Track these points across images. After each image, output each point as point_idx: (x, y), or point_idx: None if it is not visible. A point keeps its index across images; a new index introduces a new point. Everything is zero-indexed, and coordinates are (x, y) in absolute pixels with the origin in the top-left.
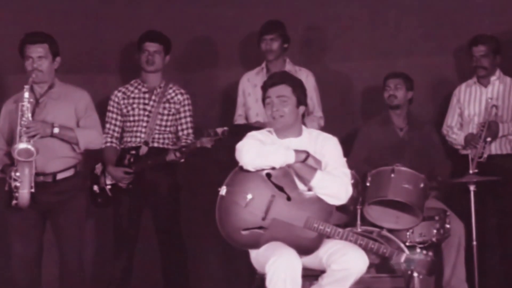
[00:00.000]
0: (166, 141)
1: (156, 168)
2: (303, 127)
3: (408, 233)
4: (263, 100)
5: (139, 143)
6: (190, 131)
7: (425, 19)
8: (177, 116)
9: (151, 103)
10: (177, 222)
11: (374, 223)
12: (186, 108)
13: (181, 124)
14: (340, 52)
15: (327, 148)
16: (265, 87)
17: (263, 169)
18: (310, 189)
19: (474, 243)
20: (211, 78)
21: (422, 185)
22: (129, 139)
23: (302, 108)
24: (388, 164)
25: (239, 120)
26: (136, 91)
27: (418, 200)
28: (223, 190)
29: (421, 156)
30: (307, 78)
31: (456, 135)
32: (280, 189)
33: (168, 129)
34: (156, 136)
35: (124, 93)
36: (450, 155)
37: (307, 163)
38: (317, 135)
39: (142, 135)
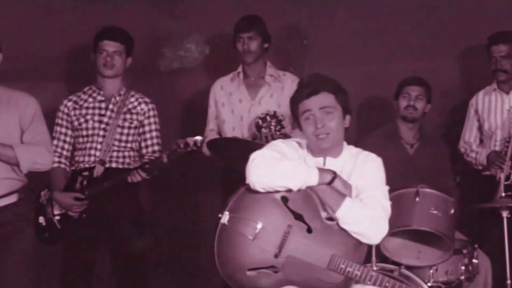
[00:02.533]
0: (127, 160)
1: (115, 191)
2: (345, 143)
3: (431, 271)
4: (297, 115)
5: (93, 163)
6: (156, 148)
7: (424, 18)
8: (141, 130)
9: (108, 113)
10: (142, 258)
11: (391, 258)
12: (152, 120)
13: (145, 139)
14: (325, 55)
15: (367, 168)
16: (298, 99)
17: (276, 191)
18: (332, 219)
19: (509, 281)
20: (170, 86)
21: (452, 211)
22: (81, 159)
23: (348, 119)
24: (394, 187)
25: (211, 135)
26: (90, 99)
27: (449, 229)
28: (225, 217)
29: (430, 178)
30: (293, 84)
31: (476, 154)
32: (299, 217)
33: (129, 145)
34: (115, 154)
35: (75, 102)
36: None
37: (333, 186)
38: (357, 153)
39: (97, 153)
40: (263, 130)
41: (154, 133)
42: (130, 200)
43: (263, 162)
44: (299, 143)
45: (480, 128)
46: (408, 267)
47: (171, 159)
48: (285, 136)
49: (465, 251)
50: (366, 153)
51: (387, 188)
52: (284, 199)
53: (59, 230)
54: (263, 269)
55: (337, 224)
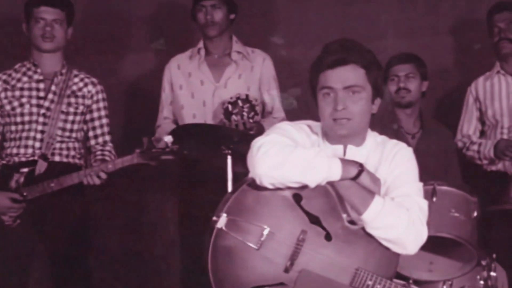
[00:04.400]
0: (72, 152)
1: (59, 192)
2: (368, 130)
3: (444, 287)
4: (315, 87)
5: (31, 156)
6: (107, 138)
7: None
8: (87, 117)
9: (50, 96)
10: (87, 270)
11: (399, 271)
12: (101, 105)
13: (93, 128)
14: (296, 32)
15: (398, 160)
16: (320, 67)
17: (288, 187)
18: (354, 222)
19: None
20: (111, 65)
21: (475, 213)
22: (15, 151)
23: (377, 102)
24: None
25: (165, 125)
26: (25, 78)
27: (472, 236)
28: (221, 221)
29: (436, 173)
30: (264, 63)
31: (478, 146)
32: (315, 221)
33: (73, 135)
34: (58, 145)
35: (5, 82)
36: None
37: (360, 181)
38: (383, 141)
39: (37, 144)
40: (234, 117)
41: (104, 120)
42: (75, 203)
43: (274, 150)
44: (310, 127)
45: (481, 118)
46: (417, 282)
47: (145, 159)
48: (258, 125)
49: (483, 263)
50: (394, 141)
51: (421, 184)
52: (297, 197)
53: None
54: (271, 287)
55: (363, 229)
